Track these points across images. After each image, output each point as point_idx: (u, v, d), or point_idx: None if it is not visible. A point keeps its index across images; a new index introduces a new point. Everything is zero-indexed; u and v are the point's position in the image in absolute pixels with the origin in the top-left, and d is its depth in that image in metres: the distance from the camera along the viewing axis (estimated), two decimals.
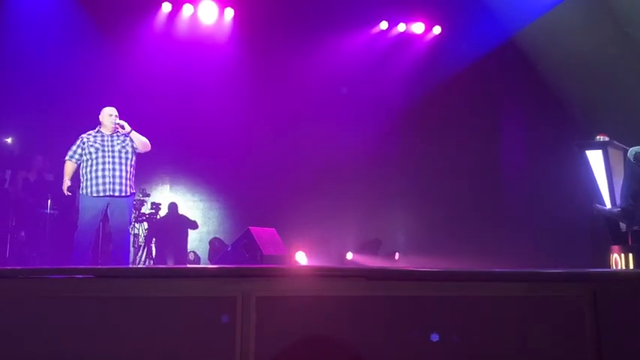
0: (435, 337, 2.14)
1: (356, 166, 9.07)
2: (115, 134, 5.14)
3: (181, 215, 8.53)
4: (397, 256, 8.97)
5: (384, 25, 9.34)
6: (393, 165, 9.28)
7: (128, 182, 5.06)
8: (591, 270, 2.49)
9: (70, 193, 5.11)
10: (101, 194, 4.95)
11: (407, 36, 9.49)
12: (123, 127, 5.08)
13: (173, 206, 8.49)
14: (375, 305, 2.15)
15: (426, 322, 2.16)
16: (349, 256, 8.81)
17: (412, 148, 9.38)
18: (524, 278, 2.28)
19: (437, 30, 9.46)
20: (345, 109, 8.99)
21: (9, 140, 7.74)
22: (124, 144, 5.10)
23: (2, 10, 7.56)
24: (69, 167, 5.10)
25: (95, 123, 5.21)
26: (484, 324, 2.18)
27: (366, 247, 8.90)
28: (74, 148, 5.11)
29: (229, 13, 8.82)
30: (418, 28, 9.46)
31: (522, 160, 9.41)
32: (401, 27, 9.41)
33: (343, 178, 8.94)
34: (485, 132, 9.61)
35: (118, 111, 5.23)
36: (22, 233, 6.94)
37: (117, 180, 4.98)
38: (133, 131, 5.12)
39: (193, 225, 8.47)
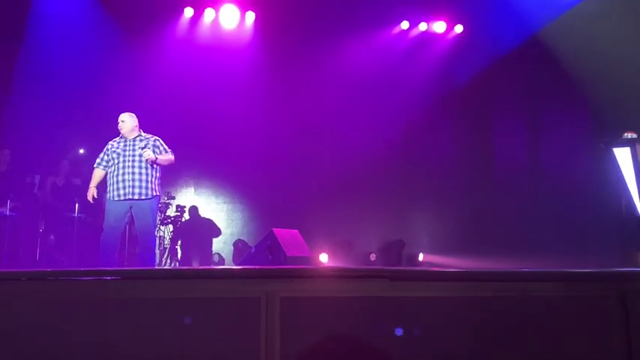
0: (460, 338, 2.12)
1: (378, 167, 9.04)
2: (137, 138, 5.22)
3: (205, 218, 8.61)
4: (421, 257, 8.90)
5: (405, 24, 9.28)
6: (416, 165, 9.22)
7: (150, 185, 5.12)
8: (620, 270, 2.44)
9: (92, 201, 5.21)
10: (122, 198, 5.04)
11: (428, 35, 9.41)
12: (155, 160, 5.12)
13: (197, 209, 8.58)
14: (398, 306, 2.14)
15: (450, 323, 2.14)
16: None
17: (435, 148, 9.31)
18: (553, 278, 2.24)
19: (459, 29, 9.37)
20: (366, 111, 8.96)
21: (38, 145, 7.90)
22: (144, 147, 5.18)
23: (31, 18, 7.74)
24: (96, 174, 5.24)
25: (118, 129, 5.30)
26: (510, 324, 2.15)
27: (390, 248, 8.85)
28: (101, 155, 5.25)
29: (250, 16, 8.88)
30: (440, 27, 9.37)
31: (548, 158, 9.26)
32: (422, 26, 9.34)
33: (366, 179, 8.91)
34: (510, 130, 9.50)
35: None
36: (52, 236, 7.08)
37: (137, 184, 5.06)
38: (158, 157, 5.18)
39: (217, 231, 8.53)
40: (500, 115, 9.52)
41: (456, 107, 9.42)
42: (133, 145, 5.18)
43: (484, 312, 2.16)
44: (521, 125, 9.58)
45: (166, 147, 5.34)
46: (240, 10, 8.84)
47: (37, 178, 7.11)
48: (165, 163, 5.28)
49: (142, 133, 5.31)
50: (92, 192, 5.18)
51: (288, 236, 6.66)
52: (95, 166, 5.27)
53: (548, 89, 9.12)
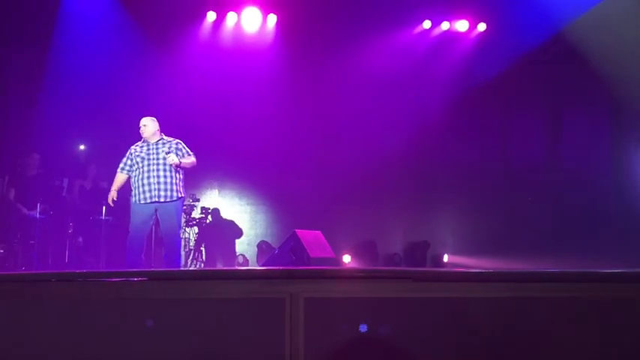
0: (486, 339, 2.10)
1: (402, 167, 9.00)
2: (159, 142, 5.30)
3: (229, 219, 8.68)
4: (446, 258, 8.83)
5: (427, 24, 9.22)
6: (440, 165, 9.15)
7: (174, 187, 5.19)
8: None
9: (112, 205, 5.29)
10: (148, 201, 5.12)
11: (451, 34, 9.33)
12: (179, 164, 5.19)
13: (222, 211, 8.66)
14: (423, 307, 2.13)
15: (475, 325, 2.12)
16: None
17: (459, 147, 9.23)
18: (579, 279, 2.21)
19: (482, 27, 9.26)
20: (388, 111, 8.92)
21: (66, 149, 8.07)
22: (168, 151, 5.25)
23: (58, 23, 7.90)
24: (118, 178, 5.33)
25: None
26: (536, 326, 2.12)
27: (414, 249, 8.79)
28: (124, 159, 5.34)
29: (272, 19, 8.93)
30: (462, 26, 9.28)
31: (571, 158, 9.09)
32: (444, 25, 9.26)
33: (390, 179, 8.88)
34: (533, 130, 9.37)
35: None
36: (80, 239, 7.22)
37: (162, 186, 5.13)
38: (182, 161, 5.25)
39: (239, 232, 8.60)
40: (524, 114, 9.39)
41: (478, 106, 9.32)
42: (157, 149, 5.25)
43: (510, 313, 2.13)
44: (544, 124, 9.43)
45: (188, 150, 5.41)
46: (262, 13, 8.89)
47: (66, 181, 7.25)
48: (189, 166, 5.35)
49: (164, 137, 5.38)
50: (112, 195, 5.27)
51: (311, 237, 6.67)
52: (119, 170, 5.36)
53: (572, 87, 8.97)
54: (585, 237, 7.93)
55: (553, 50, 8.68)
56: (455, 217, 9.16)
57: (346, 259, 8.34)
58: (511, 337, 2.11)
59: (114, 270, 5.33)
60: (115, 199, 5.30)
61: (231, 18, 8.86)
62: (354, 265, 8.20)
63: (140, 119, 5.40)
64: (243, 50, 8.87)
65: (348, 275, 2.27)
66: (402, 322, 2.11)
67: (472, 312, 2.13)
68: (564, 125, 9.36)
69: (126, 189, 5.52)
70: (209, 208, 8.30)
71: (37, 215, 6.62)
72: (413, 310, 2.12)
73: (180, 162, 5.21)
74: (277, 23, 8.94)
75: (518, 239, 8.39)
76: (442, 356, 2.09)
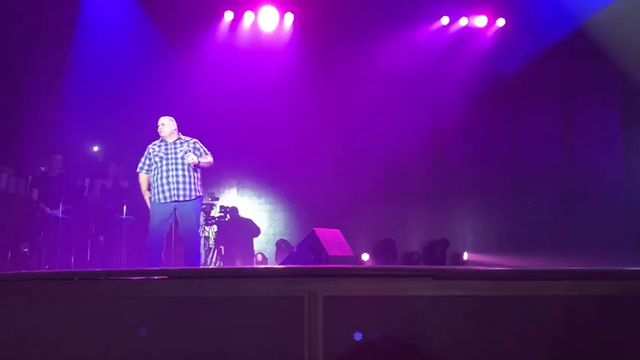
0: (506, 337, 2.08)
1: (420, 165, 8.95)
2: (177, 141, 5.33)
3: (248, 218, 8.73)
4: (466, 256, 8.75)
5: (445, 20, 9.14)
6: (459, 163, 9.08)
7: (192, 186, 5.22)
8: None
9: (150, 205, 5.33)
10: (167, 200, 5.15)
11: (469, 30, 9.24)
12: (198, 163, 5.23)
13: (240, 209, 8.70)
14: (443, 305, 2.12)
15: (496, 323, 2.10)
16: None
17: (478, 145, 9.15)
18: (602, 277, 2.17)
19: (501, 22, 9.16)
20: (407, 109, 8.88)
21: (87, 149, 8.18)
22: (187, 150, 5.28)
23: (78, 25, 8.02)
24: (142, 179, 5.37)
25: None
26: (557, 324, 2.09)
27: (434, 247, 8.73)
28: (142, 159, 5.37)
29: (289, 18, 8.94)
30: (481, 21, 9.18)
31: (595, 154, 8.95)
32: (463, 21, 9.18)
33: (408, 177, 8.84)
34: (555, 126, 9.24)
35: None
36: (101, 238, 7.32)
37: (180, 186, 5.16)
38: (200, 160, 5.28)
39: (257, 230, 8.64)
40: (543, 110, 9.27)
41: (497, 103, 9.23)
42: (174, 148, 5.29)
43: (531, 311, 2.11)
44: (566, 121, 9.28)
45: (205, 149, 5.44)
46: (279, 12, 8.91)
47: (87, 181, 7.35)
48: (206, 166, 5.38)
49: (182, 136, 5.41)
50: (147, 198, 5.32)
51: (329, 236, 6.67)
52: (138, 170, 5.40)
53: (590, 84, 8.82)
54: (604, 235, 7.81)
55: (572, 46, 8.54)
56: (475, 215, 9.09)
57: (365, 257, 8.32)
58: (533, 335, 2.09)
59: (135, 269, 5.40)
60: (150, 199, 5.32)
61: (248, 17, 8.90)
62: (373, 263, 8.18)
63: (158, 118, 5.44)
64: (260, 49, 8.90)
65: (368, 274, 2.26)
66: (423, 320, 2.10)
67: (494, 310, 2.11)
68: (581, 122, 9.22)
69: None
70: (228, 207, 8.35)
71: (60, 215, 6.73)
72: (433, 309, 2.11)
73: (199, 162, 5.24)
74: (294, 22, 8.95)
75: (538, 237, 8.30)
76: (463, 355, 2.08)
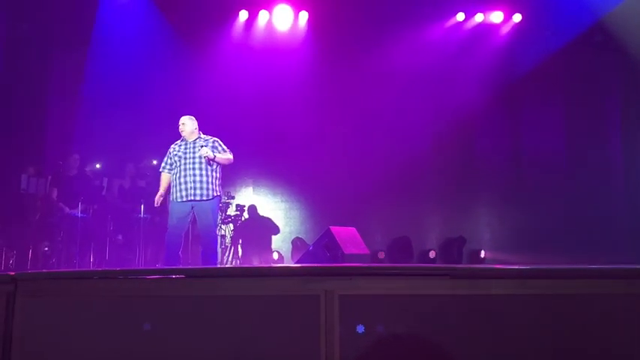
0: (525, 337, 2.06)
1: (437, 163, 8.90)
2: (196, 140, 5.37)
3: (264, 216, 8.76)
4: (483, 254, 8.68)
5: (460, 16, 9.07)
6: (475, 160, 9.01)
7: (210, 186, 5.25)
8: None
9: (158, 204, 5.37)
10: (185, 199, 5.20)
11: (485, 26, 9.15)
12: (213, 158, 5.24)
13: (256, 208, 8.74)
14: (460, 304, 2.11)
15: (514, 322, 2.08)
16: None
17: (495, 142, 9.07)
18: (619, 275, 2.14)
19: (517, 18, 9.05)
20: (423, 106, 8.83)
21: (107, 148, 8.28)
22: (204, 145, 5.32)
23: (96, 27, 8.12)
24: (162, 178, 5.43)
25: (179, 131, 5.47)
26: (575, 323, 2.07)
27: (451, 245, 8.68)
28: (165, 159, 5.44)
29: (303, 16, 8.94)
30: (497, 17, 9.09)
31: (615, 152, 8.82)
32: (478, 17, 9.09)
33: (424, 175, 8.80)
34: (574, 123, 9.11)
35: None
36: (120, 236, 7.40)
37: (197, 185, 5.20)
38: (217, 156, 5.30)
39: (275, 229, 8.66)
40: (565, 106, 9.14)
41: (514, 100, 9.14)
42: (194, 148, 5.33)
43: (549, 310, 2.09)
44: (588, 116, 9.11)
45: (225, 147, 5.46)
46: (294, 11, 8.92)
47: (105, 180, 7.44)
48: (225, 162, 5.39)
49: (202, 135, 5.45)
50: (158, 197, 5.35)
51: (345, 234, 6.67)
52: (160, 170, 5.47)
53: (612, 78, 8.68)
54: (626, 234, 7.71)
55: (591, 41, 8.42)
56: (492, 212, 9.01)
57: (381, 255, 8.30)
58: (551, 335, 2.07)
59: (152, 268, 5.45)
60: (161, 199, 5.36)
61: (262, 16, 8.92)
62: (389, 261, 8.16)
63: (178, 118, 5.48)
64: (275, 48, 8.92)
65: (384, 272, 2.26)
66: (439, 319, 2.09)
67: (511, 310, 2.09)
68: (611, 118, 9.06)
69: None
70: (244, 206, 8.39)
71: (79, 214, 6.82)
72: (450, 308, 2.10)
73: (215, 156, 5.25)
74: (308, 20, 8.95)
75: (558, 235, 8.20)
76: (480, 354, 2.06)
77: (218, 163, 5.34)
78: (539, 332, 2.06)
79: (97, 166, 8.17)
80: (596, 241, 7.63)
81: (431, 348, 2.07)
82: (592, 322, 2.07)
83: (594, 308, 2.08)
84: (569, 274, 2.17)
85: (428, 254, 8.54)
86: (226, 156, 5.38)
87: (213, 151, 5.28)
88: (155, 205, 5.43)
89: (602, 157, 8.80)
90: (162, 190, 5.38)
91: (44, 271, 3.50)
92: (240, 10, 8.83)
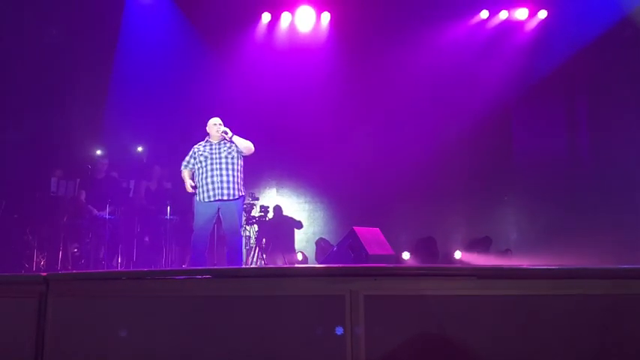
0: (551, 337, 2.03)
1: (462, 163, 8.80)
2: (222, 142, 5.42)
3: (288, 217, 8.79)
4: (510, 254, 8.56)
5: (484, 14, 8.96)
6: (502, 159, 8.88)
7: (236, 186, 5.30)
8: None
9: (193, 190, 5.40)
10: (212, 199, 5.25)
11: (509, 24, 9.02)
12: (226, 133, 5.34)
13: (280, 209, 8.78)
14: (487, 305, 2.08)
15: (541, 322, 2.05)
16: (457, 254, 8.54)
17: (521, 141, 8.94)
18: None
19: (542, 14, 8.90)
20: (446, 105, 8.75)
21: (132, 152, 8.41)
22: (229, 150, 5.36)
23: (122, 31, 8.26)
24: (185, 174, 5.47)
25: (204, 133, 5.52)
26: (603, 323, 2.03)
27: (476, 245, 8.59)
28: (187, 158, 5.49)
29: (326, 17, 8.95)
30: (522, 14, 8.95)
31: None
32: (503, 14, 8.97)
33: (449, 174, 8.71)
34: (605, 123, 8.88)
35: (225, 120, 5.50)
36: (146, 238, 7.50)
37: (224, 185, 5.25)
38: (235, 136, 5.35)
39: (299, 225, 8.71)
40: (592, 105, 8.94)
41: (540, 98, 8.97)
42: (219, 149, 5.38)
43: (577, 310, 2.05)
44: (619, 116, 8.87)
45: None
46: (316, 11, 8.94)
47: (132, 183, 7.55)
48: (245, 150, 5.38)
49: (224, 136, 5.48)
50: (189, 186, 5.37)
51: (369, 234, 6.64)
52: (182, 167, 5.52)
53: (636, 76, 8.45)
54: None
55: (623, 35, 8.21)
56: (518, 212, 8.88)
57: (405, 256, 8.25)
58: (578, 335, 2.03)
59: (179, 268, 5.50)
60: (192, 186, 5.39)
61: (285, 18, 8.96)
62: (414, 262, 8.11)
63: (203, 120, 5.54)
64: (297, 49, 8.95)
65: (410, 273, 2.25)
66: (466, 320, 2.07)
67: (538, 310, 2.06)
68: (634, 115, 8.83)
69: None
70: (268, 207, 8.44)
71: (107, 216, 6.94)
72: (477, 309, 2.08)
73: (233, 135, 5.30)
74: (331, 21, 8.96)
75: (585, 235, 8.03)
76: (507, 354, 2.04)
77: (240, 152, 5.35)
78: (568, 332, 2.03)
79: (146, 149, 8.29)
80: (631, 241, 7.44)
81: (456, 349, 2.05)
82: (619, 323, 2.03)
83: (620, 309, 2.04)
84: (595, 274, 2.12)
85: (452, 254, 8.47)
86: (247, 143, 5.40)
87: (238, 153, 5.34)
88: (190, 190, 5.41)
89: (631, 155, 8.57)
90: (188, 180, 5.42)
91: (74, 271, 3.57)
92: (262, 12, 8.89)
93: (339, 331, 2.08)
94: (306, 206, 9.03)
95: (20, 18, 7.53)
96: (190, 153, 5.50)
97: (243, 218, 7.39)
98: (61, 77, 8.10)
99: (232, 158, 5.35)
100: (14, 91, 7.50)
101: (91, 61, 8.32)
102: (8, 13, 7.31)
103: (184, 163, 5.50)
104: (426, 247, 8.40)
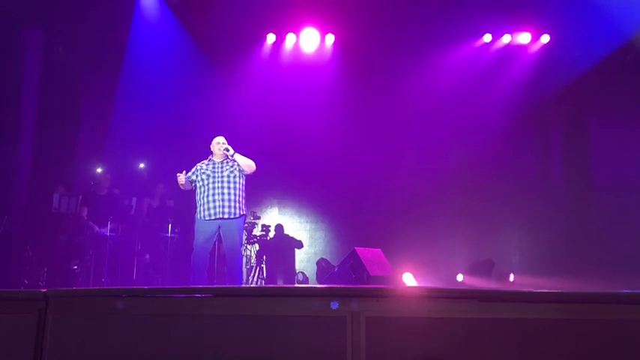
0: None
1: (464, 184, 8.79)
2: (224, 161, 5.43)
3: (289, 236, 8.77)
4: (512, 277, 8.50)
5: (487, 37, 9.04)
6: (504, 181, 8.86)
7: (237, 205, 5.29)
8: None
9: (183, 182, 5.30)
10: (212, 217, 5.24)
11: (512, 48, 9.10)
12: (228, 150, 5.34)
13: (281, 228, 8.76)
14: (488, 328, 2.07)
15: (543, 347, 2.03)
16: (459, 277, 8.48)
17: (525, 163, 8.94)
18: None
19: (545, 39, 8.98)
20: (449, 128, 8.79)
21: (136, 168, 8.44)
22: (232, 169, 5.37)
23: (128, 50, 8.34)
24: (180, 179, 5.38)
25: (208, 152, 5.54)
26: (607, 349, 2.00)
27: (478, 268, 8.53)
28: (189, 173, 5.45)
29: (330, 39, 9.05)
30: (524, 38, 9.03)
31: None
32: (506, 38, 9.06)
33: (451, 196, 8.70)
34: (608, 144, 8.90)
35: (228, 139, 5.52)
36: (147, 256, 7.48)
37: (226, 203, 5.24)
38: (237, 154, 5.36)
39: (300, 244, 8.68)
40: (596, 127, 8.97)
41: (546, 120, 9.02)
42: (221, 168, 5.39)
43: (579, 335, 2.03)
44: (620, 138, 8.89)
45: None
46: (320, 33, 9.03)
47: (134, 200, 7.55)
48: (246, 168, 5.36)
49: (226, 153, 5.49)
50: (181, 177, 5.31)
51: (370, 255, 6.60)
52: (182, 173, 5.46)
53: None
54: None
55: (625, 60, 8.28)
56: (521, 235, 8.84)
57: (407, 277, 8.19)
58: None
59: (179, 287, 5.46)
60: (182, 177, 5.32)
61: (290, 39, 9.06)
62: (415, 284, 8.05)
63: (207, 138, 5.55)
64: (302, 70, 9.03)
65: (412, 295, 2.23)
66: (467, 343, 2.05)
67: (540, 333, 2.04)
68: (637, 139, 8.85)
69: (190, 206, 5.66)
70: (269, 226, 8.42)
71: (108, 233, 6.92)
72: (478, 331, 2.06)
73: (235, 152, 5.29)
74: (335, 43, 9.05)
75: (590, 259, 7.98)
76: None
77: (242, 171, 5.34)
78: (571, 357, 2.01)
79: (149, 167, 8.30)
80: (633, 265, 7.39)
81: None
82: (624, 348, 2.01)
83: (629, 333, 2.02)
84: (599, 298, 2.11)
85: (455, 277, 8.41)
86: (248, 160, 5.39)
87: (240, 171, 5.34)
88: (179, 181, 5.35)
89: (636, 179, 8.56)
90: (183, 176, 5.34)
91: (74, 288, 3.55)
92: (267, 33, 8.99)
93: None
94: (308, 226, 9.02)
95: (26, 35, 7.63)
96: (193, 170, 5.49)
97: (244, 237, 7.37)
98: (65, 94, 8.17)
99: (234, 177, 5.35)
100: (18, 107, 7.55)
101: (95, 78, 8.41)
102: (14, 31, 7.39)
103: (188, 174, 5.46)
104: (428, 269, 8.35)
